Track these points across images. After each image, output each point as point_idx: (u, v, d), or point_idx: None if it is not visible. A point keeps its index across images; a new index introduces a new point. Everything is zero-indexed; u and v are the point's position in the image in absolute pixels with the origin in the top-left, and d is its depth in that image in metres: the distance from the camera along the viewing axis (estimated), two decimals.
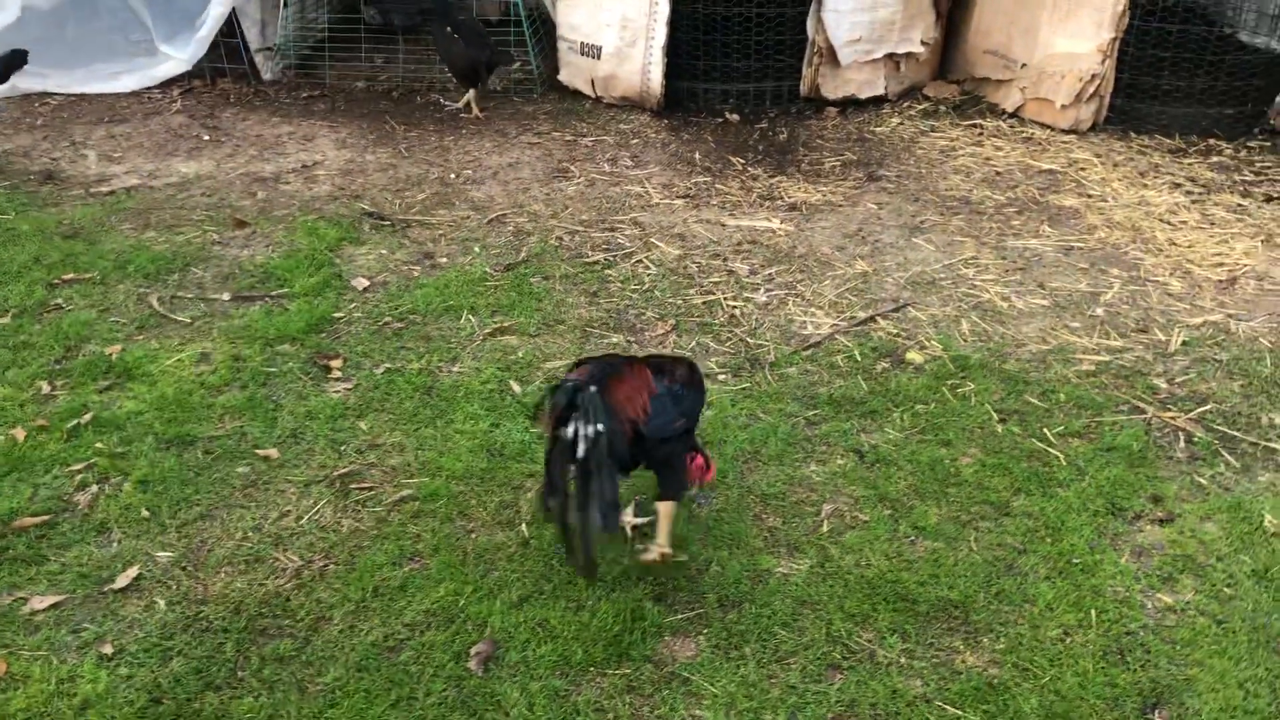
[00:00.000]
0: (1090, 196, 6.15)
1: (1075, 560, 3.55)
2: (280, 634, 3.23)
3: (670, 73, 7.08)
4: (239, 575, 3.43)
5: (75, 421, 4.09)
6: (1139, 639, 3.28)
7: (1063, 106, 6.85)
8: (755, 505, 3.79)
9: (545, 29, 7.93)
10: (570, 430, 3.06)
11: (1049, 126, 6.97)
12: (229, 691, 3.03)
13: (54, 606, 3.30)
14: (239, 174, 6.37)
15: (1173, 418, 4.27)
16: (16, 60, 6.54)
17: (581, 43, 7.27)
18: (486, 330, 4.77)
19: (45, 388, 4.32)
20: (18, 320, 4.77)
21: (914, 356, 4.64)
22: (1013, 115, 7.15)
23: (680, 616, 3.32)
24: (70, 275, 5.14)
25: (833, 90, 7.15)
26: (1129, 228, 5.81)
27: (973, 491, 3.86)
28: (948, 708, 3.04)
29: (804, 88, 7.17)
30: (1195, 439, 4.16)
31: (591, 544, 3.09)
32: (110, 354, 4.53)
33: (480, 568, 3.47)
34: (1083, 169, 6.48)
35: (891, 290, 5.18)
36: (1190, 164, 6.63)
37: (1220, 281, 5.29)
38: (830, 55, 6.99)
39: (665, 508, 3.40)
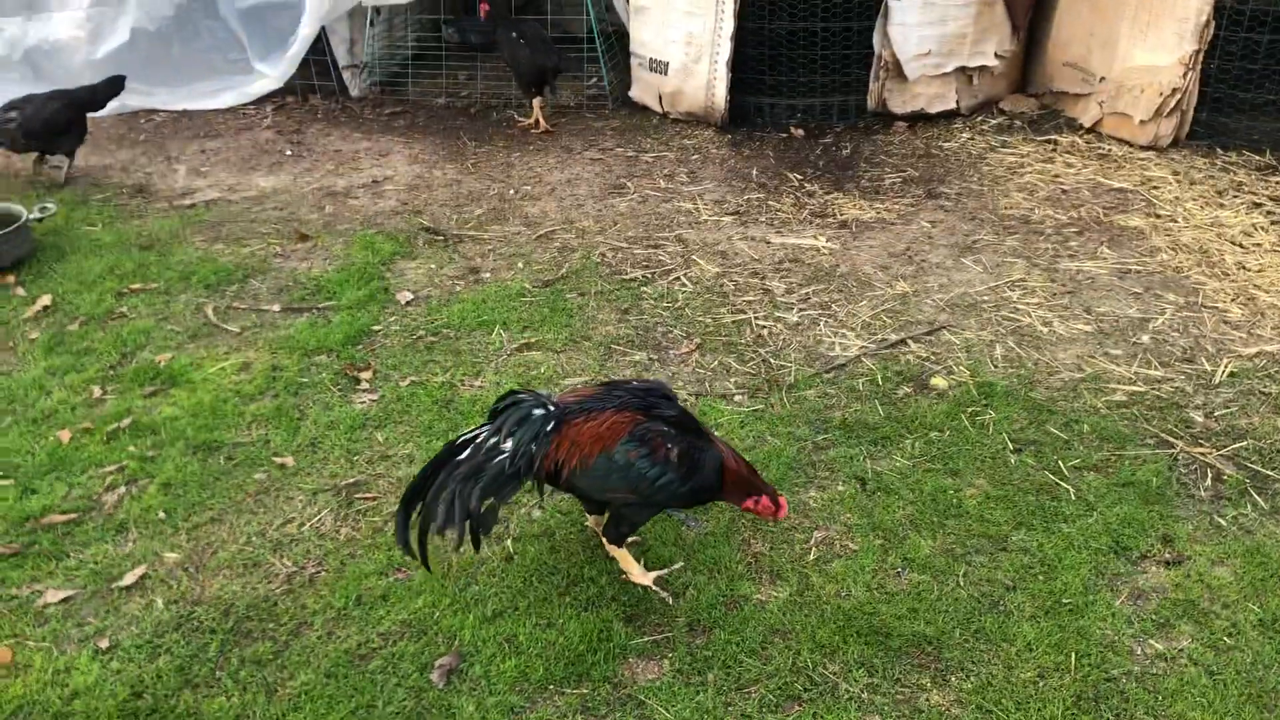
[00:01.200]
0: (1159, 217, 5.90)
1: (1066, 600, 3.44)
2: (262, 637, 3.38)
3: (737, 88, 7.08)
4: (235, 578, 3.61)
5: (116, 425, 4.35)
6: (1118, 686, 3.15)
7: (1141, 122, 6.58)
8: (745, 530, 3.78)
9: (621, 45, 8.02)
10: (474, 434, 3.28)
11: (1127, 142, 6.71)
12: (205, 690, 3.19)
13: (65, 600, 3.53)
14: (312, 188, 6.65)
15: (1203, 453, 4.08)
16: (116, 86, 6.96)
17: (650, 58, 7.33)
18: (514, 345, 4.88)
19: (97, 392, 4.61)
20: (85, 327, 5.09)
21: (939, 382, 4.55)
22: (1090, 130, 6.91)
23: (648, 639, 3.35)
24: (138, 285, 5.46)
25: (900, 105, 7.03)
26: (1195, 250, 5.56)
27: (972, 524, 3.77)
28: None
29: (871, 102, 7.08)
30: (1224, 477, 3.97)
31: (421, 537, 3.21)
32: (160, 361, 4.81)
33: (461, 580, 3.57)
34: (1156, 188, 6.22)
35: (929, 312, 5.08)
36: (1278, 182, 6.28)
37: None
38: (897, 70, 6.88)
39: (608, 547, 3.47)
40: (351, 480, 4.05)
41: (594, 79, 7.89)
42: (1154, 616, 3.39)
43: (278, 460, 4.17)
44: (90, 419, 4.41)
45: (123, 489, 4.03)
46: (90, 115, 6.87)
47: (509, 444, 3.26)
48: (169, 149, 7.35)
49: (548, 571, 3.60)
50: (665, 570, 3.57)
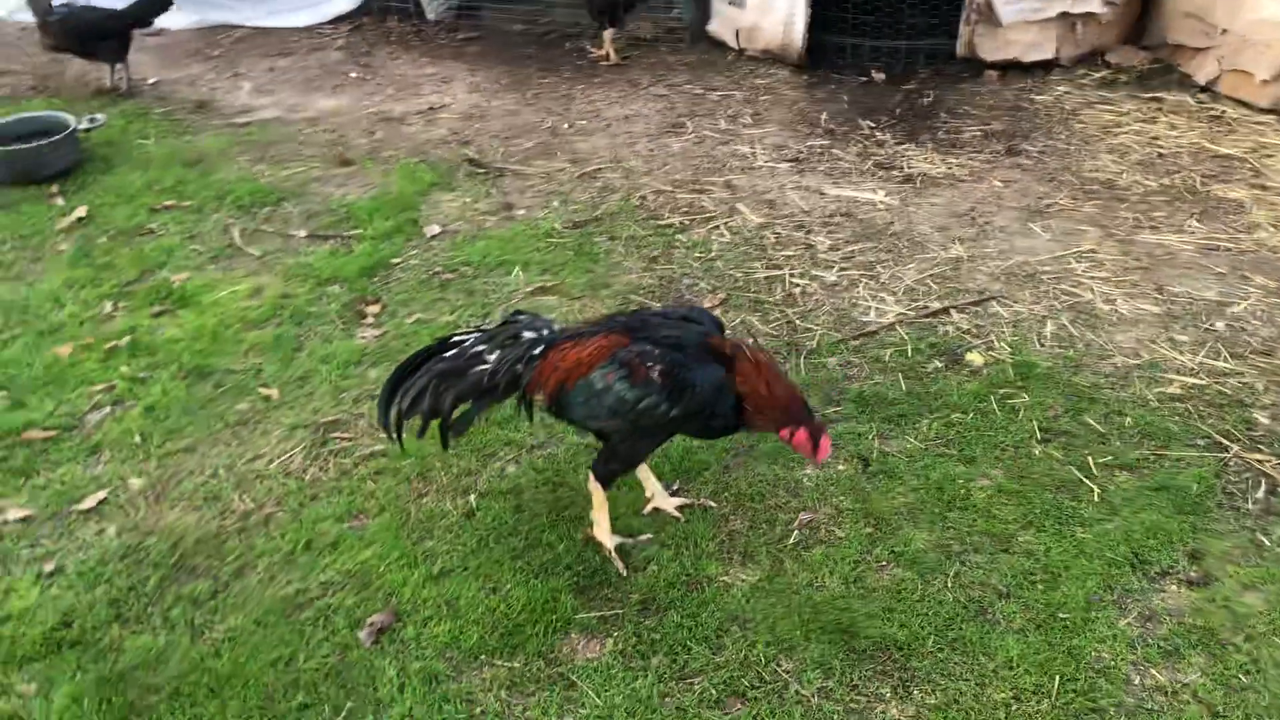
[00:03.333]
0: (1265, 189, 5.30)
1: (1063, 615, 3.08)
2: (205, 575, 3.28)
3: (818, 25, 6.64)
4: (191, 511, 3.52)
5: (115, 343, 4.31)
6: (1105, 718, 2.80)
7: (1263, 81, 5.91)
8: (726, 505, 3.51)
9: None
10: (463, 339, 3.20)
11: (1244, 104, 6.05)
12: (134, 626, 3.11)
13: (23, 520, 3.49)
14: (368, 112, 6.51)
15: (1260, 460, 3.63)
16: (160, 5, 6.84)
17: None
18: (531, 288, 4.65)
19: (109, 308, 4.58)
20: (113, 241, 5.07)
21: (974, 358, 4.16)
22: (1204, 90, 6.25)
23: (596, 614, 3.13)
24: (172, 202, 5.42)
25: (991, 52, 6.48)
26: None
27: (975, 519, 3.42)
28: None
29: (960, 48, 6.54)
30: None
31: (399, 418, 3.17)
32: (175, 281, 4.74)
33: (416, 534, 3.40)
34: (1269, 156, 5.58)
35: (982, 280, 4.66)
36: None
37: None
38: (990, 13, 6.33)
39: (590, 483, 3.26)
40: (331, 418, 3.91)
41: (675, 10, 7.51)
42: (1162, 643, 3.00)
43: (264, 391, 4.05)
44: (94, 335, 4.37)
45: (108, 409, 3.98)
46: (143, 30, 6.86)
47: (493, 357, 3.13)
48: (239, 65, 7.31)
49: (507, 532, 3.40)
50: (631, 540, 3.34)
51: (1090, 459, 3.64)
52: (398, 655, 3.00)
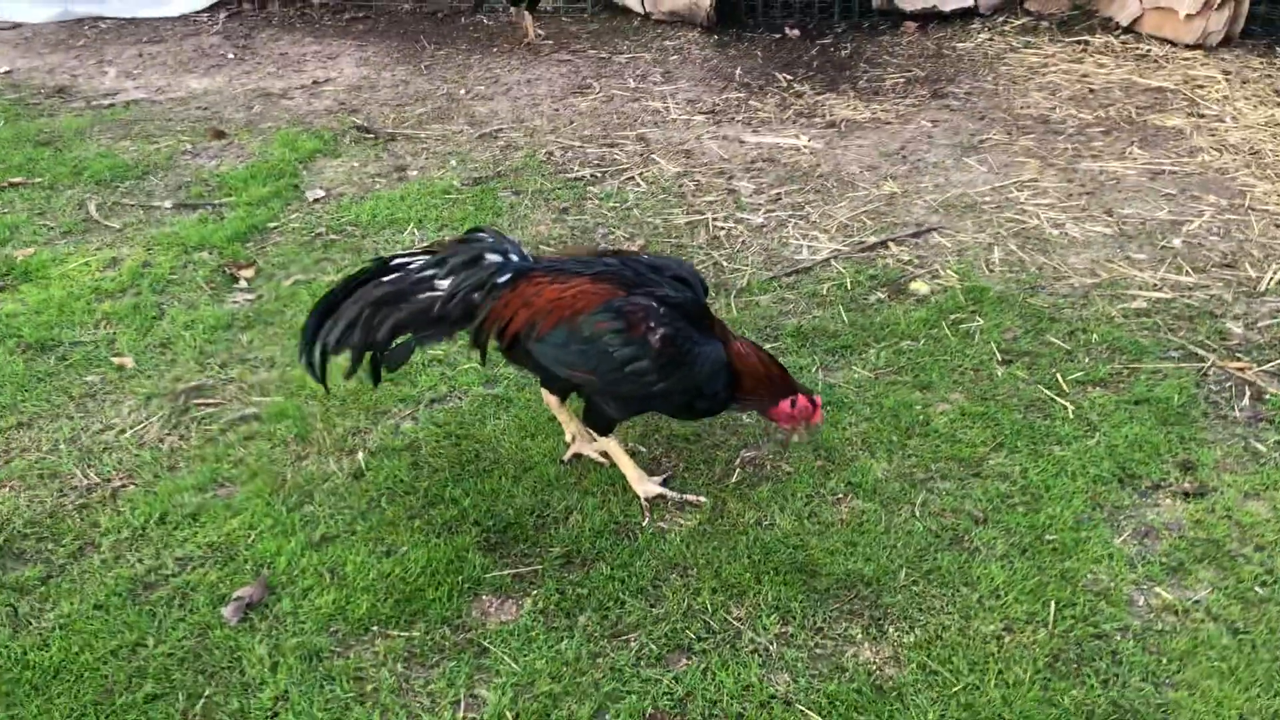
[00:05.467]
0: (1203, 117, 5.04)
1: (1050, 537, 2.67)
2: (35, 560, 2.71)
3: None
4: (24, 491, 2.94)
5: None
6: (1110, 645, 2.39)
7: (1188, 16, 5.71)
8: (657, 448, 3.05)
9: None
10: (406, 260, 2.71)
11: (1170, 42, 5.83)
12: None
13: None
14: (245, 90, 5.98)
15: (1241, 368, 3.28)
16: None
17: None
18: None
19: None
20: None
21: (919, 287, 3.78)
22: (1128, 30, 6.03)
23: (509, 572, 2.63)
24: (19, 179, 4.82)
25: (909, 2, 6.19)
26: (1245, 151, 4.71)
27: (939, 444, 3.00)
28: (809, 714, 2.25)
29: None
30: (1266, 397, 3.17)
31: (322, 354, 2.71)
32: (19, 257, 4.16)
33: (294, 499, 2.87)
34: (1201, 86, 5.35)
35: (919, 214, 4.29)
36: None
37: None
38: None
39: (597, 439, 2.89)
40: (195, 384, 3.37)
41: None
42: (1164, 559, 2.61)
43: (117, 361, 3.50)
44: None
45: None
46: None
47: (446, 282, 2.66)
48: (105, 54, 6.71)
49: (403, 491, 2.89)
50: (676, 494, 2.84)
51: (1059, 376, 3.26)
52: (270, 632, 2.47)
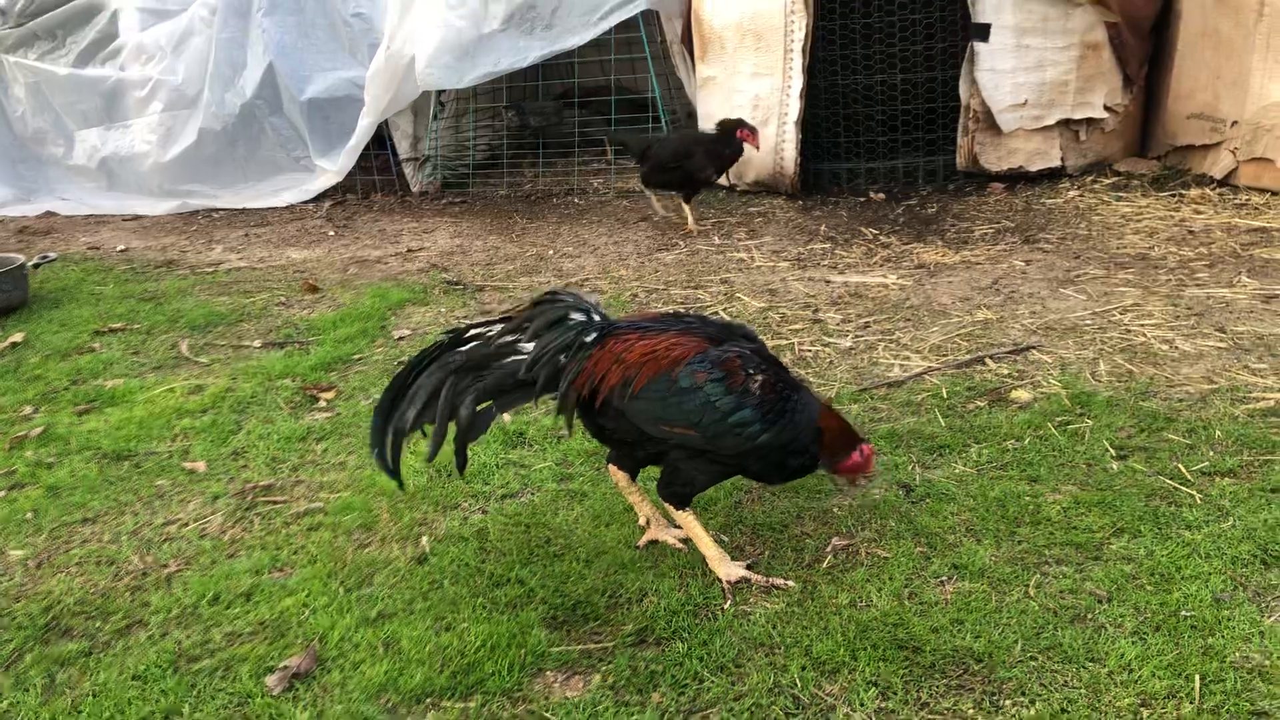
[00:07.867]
0: None
1: (1186, 614, 2.35)
2: (80, 636, 2.56)
3: (810, 155, 6.41)
4: (78, 576, 2.83)
5: (25, 433, 3.73)
6: None
7: None
8: (740, 536, 2.83)
9: (689, 121, 7.51)
10: (483, 330, 2.59)
11: (1269, 191, 5.69)
12: None
13: None
14: (343, 258, 6.17)
15: None
16: None
17: None
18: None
19: (28, 410, 4.02)
20: (45, 360, 4.57)
21: (1020, 394, 3.56)
22: (1223, 183, 5.92)
23: (578, 647, 2.40)
24: (119, 325, 4.96)
25: (995, 162, 6.20)
26: None
27: (1053, 531, 2.72)
28: None
29: (960, 160, 6.27)
30: None
31: (395, 440, 2.52)
32: (108, 385, 4.21)
33: (352, 579, 2.70)
34: None
35: (1016, 335, 4.11)
36: None
37: None
38: (989, 121, 6.09)
39: (671, 512, 2.67)
40: (265, 483, 3.27)
41: None
42: None
43: (188, 466, 3.44)
44: (2, 434, 3.80)
45: (2, 492, 3.35)
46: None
47: (530, 345, 2.54)
48: (214, 235, 7.05)
49: (468, 573, 2.71)
50: (763, 579, 2.60)
51: (1182, 467, 2.97)
52: (314, 702, 2.26)
